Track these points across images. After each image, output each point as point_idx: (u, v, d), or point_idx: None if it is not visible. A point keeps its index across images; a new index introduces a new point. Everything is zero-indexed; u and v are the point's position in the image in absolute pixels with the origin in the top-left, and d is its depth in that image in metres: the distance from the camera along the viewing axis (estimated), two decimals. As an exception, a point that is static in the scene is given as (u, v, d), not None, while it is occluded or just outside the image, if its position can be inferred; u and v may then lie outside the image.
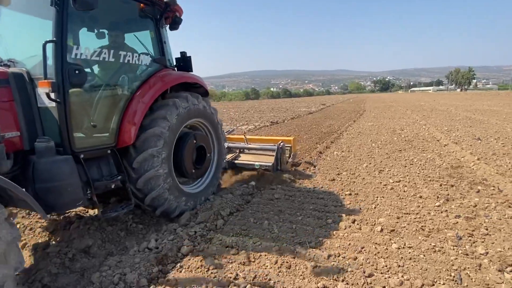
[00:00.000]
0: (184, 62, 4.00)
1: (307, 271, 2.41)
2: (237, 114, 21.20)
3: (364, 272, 2.35)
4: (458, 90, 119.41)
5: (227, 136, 5.83)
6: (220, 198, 3.91)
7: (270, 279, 2.31)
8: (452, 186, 4.37)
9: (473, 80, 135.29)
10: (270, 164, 5.01)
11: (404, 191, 4.24)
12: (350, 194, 4.19)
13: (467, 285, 2.19)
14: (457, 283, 2.21)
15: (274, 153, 5.07)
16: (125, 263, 2.46)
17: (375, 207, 3.71)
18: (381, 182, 4.66)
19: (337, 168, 5.63)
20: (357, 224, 3.26)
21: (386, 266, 2.45)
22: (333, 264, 2.50)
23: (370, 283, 2.25)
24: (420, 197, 3.99)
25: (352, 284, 2.24)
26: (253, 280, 2.31)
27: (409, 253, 2.63)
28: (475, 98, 34.53)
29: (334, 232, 3.10)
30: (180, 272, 2.44)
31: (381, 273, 2.37)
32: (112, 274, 2.31)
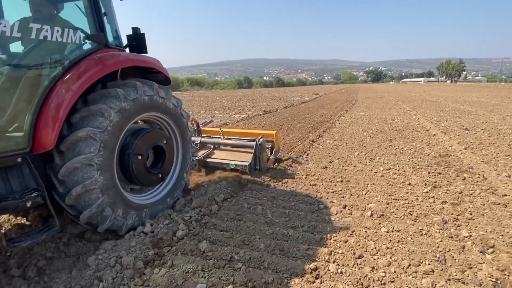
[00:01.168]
0: (137, 41, 3.25)
1: (299, 253, 2.49)
2: (230, 103, 21.07)
3: (355, 254, 2.45)
4: (448, 81, 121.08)
5: (203, 128, 5.32)
6: (214, 184, 3.94)
7: (264, 261, 2.38)
8: (440, 173, 4.51)
9: (463, 72, 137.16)
10: (247, 164, 4.35)
11: (394, 179, 4.36)
12: (341, 181, 4.28)
13: (450, 265, 2.31)
14: (442, 264, 2.33)
15: (252, 150, 4.45)
16: (120, 247, 2.49)
17: (365, 194, 3.81)
18: (371, 170, 4.77)
19: (329, 156, 5.72)
20: (348, 209, 3.36)
21: (375, 248, 2.55)
22: (325, 247, 2.58)
23: (360, 264, 2.34)
24: (409, 184, 4.11)
25: (343, 265, 2.33)
26: (247, 261, 2.38)
27: (397, 236, 2.73)
28: (464, 90, 35.10)
29: (326, 217, 3.19)
30: (176, 255, 2.48)
31: (371, 254, 2.47)
32: (108, 257, 2.35)
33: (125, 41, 3.28)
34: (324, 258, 2.42)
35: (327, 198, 3.69)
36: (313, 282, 2.15)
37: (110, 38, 2.96)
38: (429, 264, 2.31)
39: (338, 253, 2.49)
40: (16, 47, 2.42)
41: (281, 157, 5.48)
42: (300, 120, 11.02)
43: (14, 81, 2.25)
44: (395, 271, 2.24)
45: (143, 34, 3.29)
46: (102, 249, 2.46)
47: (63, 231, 2.82)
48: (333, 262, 2.38)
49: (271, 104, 18.77)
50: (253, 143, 4.45)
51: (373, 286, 2.09)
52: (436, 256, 2.41)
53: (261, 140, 4.49)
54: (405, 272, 2.23)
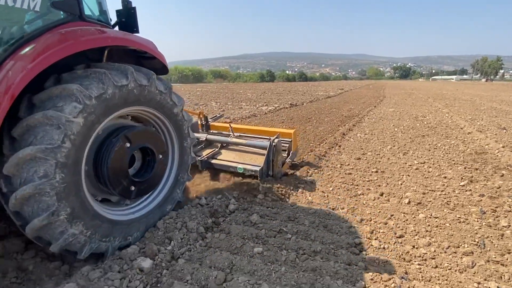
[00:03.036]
0: (127, 18, 2.68)
1: (342, 230, 2.72)
2: (255, 96, 21.30)
3: (395, 234, 2.64)
4: (483, 80, 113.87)
5: (212, 123, 4.74)
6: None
7: (310, 234, 2.64)
8: (476, 169, 4.53)
9: (500, 70, 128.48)
10: (258, 168, 3.67)
11: (429, 172, 4.44)
12: (376, 172, 4.43)
13: (490, 249, 2.44)
14: (481, 247, 2.47)
15: (265, 152, 3.74)
16: (183, 214, 2.83)
17: (401, 184, 3.94)
18: (406, 163, 4.86)
19: (362, 148, 5.83)
20: (385, 196, 3.53)
21: (414, 230, 2.72)
22: (366, 227, 2.79)
23: (401, 242, 2.54)
24: (445, 177, 4.18)
25: (385, 242, 2.54)
26: (295, 234, 2.65)
27: (436, 221, 2.89)
28: (501, 89, 33.09)
29: (364, 202, 3.38)
30: (231, 224, 2.79)
31: (410, 235, 2.65)
32: (175, 222, 2.69)
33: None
34: (366, 236, 2.64)
35: (364, 186, 3.86)
36: (358, 254, 2.37)
37: (95, 12, 2.49)
38: (468, 247, 2.46)
39: (379, 232, 2.69)
40: None
41: (313, 148, 5.68)
42: (328, 114, 11.07)
43: None
44: (435, 250, 2.41)
45: (134, 8, 2.71)
46: (167, 216, 2.81)
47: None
48: (375, 239, 2.59)
49: (296, 98, 18.80)
50: (267, 144, 3.74)
51: (415, 261, 2.29)
52: (475, 241, 2.55)
53: (276, 140, 3.75)
54: (445, 252, 2.40)
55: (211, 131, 4.68)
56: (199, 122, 4.66)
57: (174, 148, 2.86)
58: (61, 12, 2.21)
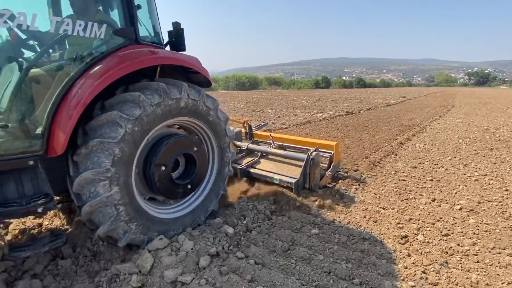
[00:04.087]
0: (176, 38, 3.04)
1: (391, 226, 3.10)
2: (309, 102, 21.54)
3: (441, 232, 2.93)
4: None
5: (255, 132, 4.93)
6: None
7: (361, 225, 3.08)
8: (547, 185, 4.33)
9: None
10: (293, 180, 3.73)
11: (489, 184, 4.40)
12: (431, 180, 4.56)
13: (539, 255, 2.58)
14: (529, 253, 2.61)
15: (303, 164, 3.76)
16: (253, 199, 3.51)
17: (456, 193, 4.06)
18: (465, 174, 4.85)
19: (419, 158, 5.89)
20: (437, 202, 3.73)
21: (461, 232, 2.96)
22: (413, 224, 3.12)
23: (446, 240, 2.82)
24: (506, 190, 4.14)
25: (430, 238, 2.85)
26: (347, 224, 3.12)
27: (486, 227, 3.06)
28: None
29: (415, 205, 3.65)
30: (291, 211, 3.39)
31: (457, 236, 2.90)
32: (247, 204, 3.39)
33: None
34: (413, 232, 2.98)
35: (416, 192, 4.09)
36: (403, 244, 2.75)
37: (151, 33, 2.88)
38: (515, 251, 2.63)
39: (426, 229, 3.00)
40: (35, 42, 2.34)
41: (368, 155, 5.93)
42: (386, 123, 10.92)
43: (31, 79, 2.19)
44: (479, 249, 2.65)
45: (182, 29, 3.04)
46: (241, 199, 3.53)
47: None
48: (421, 235, 2.91)
49: (352, 105, 18.55)
50: (304, 156, 3.78)
51: (457, 255, 2.57)
52: (524, 247, 2.70)
53: (314, 153, 3.78)
54: (489, 252, 2.63)
55: (254, 139, 4.87)
56: (243, 131, 4.92)
57: (215, 154, 3.18)
58: (121, 38, 2.57)
